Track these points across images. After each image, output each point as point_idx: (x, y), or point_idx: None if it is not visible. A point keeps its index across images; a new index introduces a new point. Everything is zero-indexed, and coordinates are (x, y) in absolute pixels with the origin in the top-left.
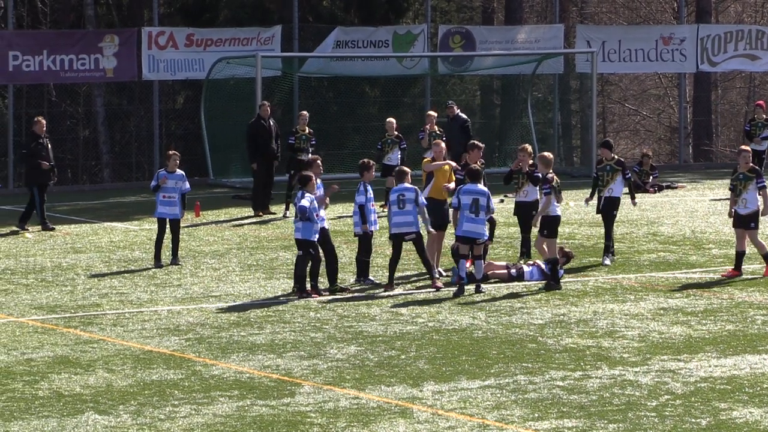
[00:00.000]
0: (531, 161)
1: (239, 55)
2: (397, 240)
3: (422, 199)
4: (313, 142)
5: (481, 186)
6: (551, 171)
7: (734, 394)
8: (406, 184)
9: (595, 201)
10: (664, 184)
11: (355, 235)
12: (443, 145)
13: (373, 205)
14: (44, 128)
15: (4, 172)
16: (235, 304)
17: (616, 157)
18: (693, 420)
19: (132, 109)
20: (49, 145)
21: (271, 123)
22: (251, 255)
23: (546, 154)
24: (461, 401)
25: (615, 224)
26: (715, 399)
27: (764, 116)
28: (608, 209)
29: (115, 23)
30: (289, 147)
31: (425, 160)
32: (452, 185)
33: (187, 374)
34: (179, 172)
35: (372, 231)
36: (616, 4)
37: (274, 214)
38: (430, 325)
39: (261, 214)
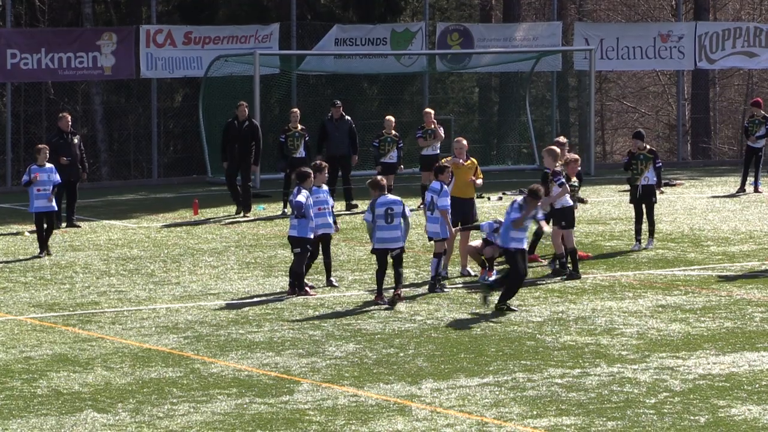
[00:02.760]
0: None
1: (237, 53)
2: (381, 255)
3: (408, 211)
4: (307, 138)
5: (391, 196)
6: (558, 164)
7: (733, 392)
8: (391, 197)
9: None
10: (662, 182)
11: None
12: (464, 142)
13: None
14: (69, 124)
15: (3, 171)
16: (233, 301)
17: (648, 146)
18: (691, 417)
19: (130, 107)
20: (76, 141)
21: (248, 124)
22: (249, 253)
23: (553, 147)
24: (460, 399)
25: (616, 221)
26: (713, 396)
27: (763, 113)
28: (647, 196)
29: (113, 21)
30: (279, 146)
31: (443, 160)
32: (479, 181)
33: (186, 372)
34: (48, 165)
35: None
36: (615, 2)
37: (248, 217)
38: (428, 322)
39: (240, 212)
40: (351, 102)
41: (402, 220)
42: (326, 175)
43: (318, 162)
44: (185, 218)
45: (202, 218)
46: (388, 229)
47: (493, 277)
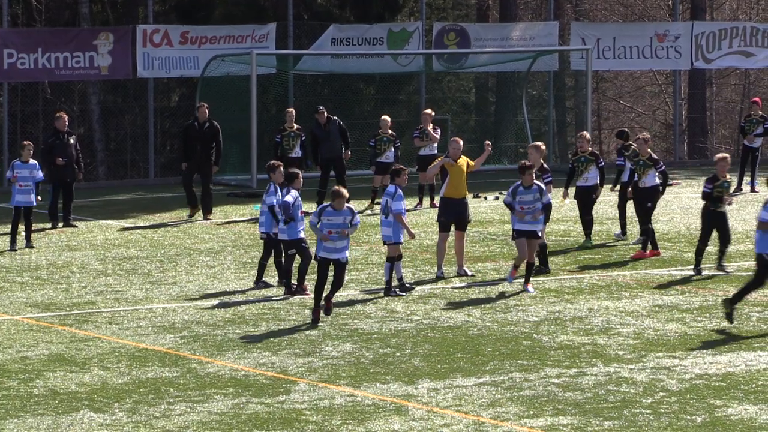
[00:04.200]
0: (590, 149)
1: (234, 53)
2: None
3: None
4: (303, 138)
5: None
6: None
7: (729, 391)
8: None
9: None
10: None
11: (261, 238)
12: (461, 142)
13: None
14: (66, 124)
15: (0, 170)
16: (230, 301)
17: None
18: (688, 417)
19: (127, 107)
20: (72, 141)
21: (209, 125)
22: (246, 252)
23: (539, 143)
24: (456, 398)
25: (613, 221)
26: (710, 396)
27: (760, 113)
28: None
29: (109, 21)
30: (275, 145)
31: (436, 160)
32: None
33: (183, 372)
34: (32, 161)
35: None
36: (611, 1)
37: (210, 219)
38: (425, 322)
39: (195, 214)
40: (347, 102)
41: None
42: (281, 174)
43: (271, 162)
44: (182, 218)
45: (199, 218)
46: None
47: (531, 290)
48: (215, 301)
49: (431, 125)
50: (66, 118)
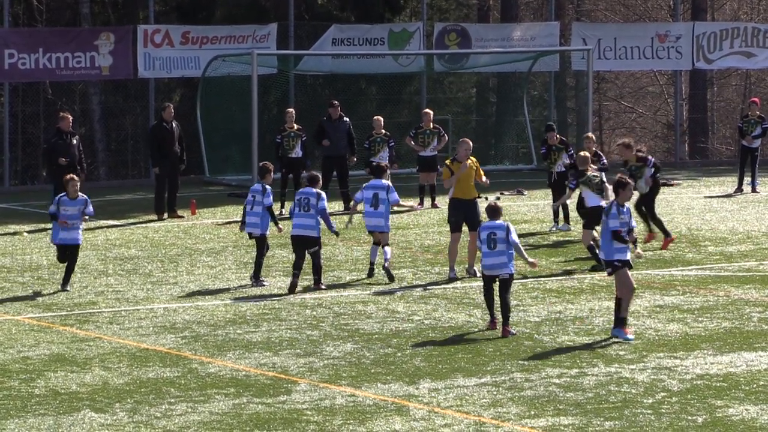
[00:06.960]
0: (594, 149)
1: (235, 53)
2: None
3: (514, 236)
4: (304, 138)
5: (383, 180)
6: (590, 167)
7: (730, 392)
8: (497, 222)
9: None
10: (660, 182)
11: (251, 237)
12: (471, 143)
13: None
14: (70, 124)
15: (1, 171)
16: (231, 301)
17: (559, 137)
18: (689, 417)
19: (128, 107)
20: (75, 141)
21: (174, 125)
22: (247, 253)
23: (582, 153)
24: (457, 399)
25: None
26: (711, 396)
27: (758, 113)
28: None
29: (110, 21)
30: (276, 146)
31: (447, 161)
32: (485, 179)
33: (183, 372)
34: (81, 196)
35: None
36: (612, 2)
37: (182, 217)
38: (426, 322)
39: (165, 217)
40: (349, 102)
41: (506, 246)
42: (272, 175)
43: (265, 164)
44: (182, 218)
45: (200, 218)
46: (492, 256)
47: (630, 335)
48: (216, 301)
49: (432, 125)
50: (70, 118)
